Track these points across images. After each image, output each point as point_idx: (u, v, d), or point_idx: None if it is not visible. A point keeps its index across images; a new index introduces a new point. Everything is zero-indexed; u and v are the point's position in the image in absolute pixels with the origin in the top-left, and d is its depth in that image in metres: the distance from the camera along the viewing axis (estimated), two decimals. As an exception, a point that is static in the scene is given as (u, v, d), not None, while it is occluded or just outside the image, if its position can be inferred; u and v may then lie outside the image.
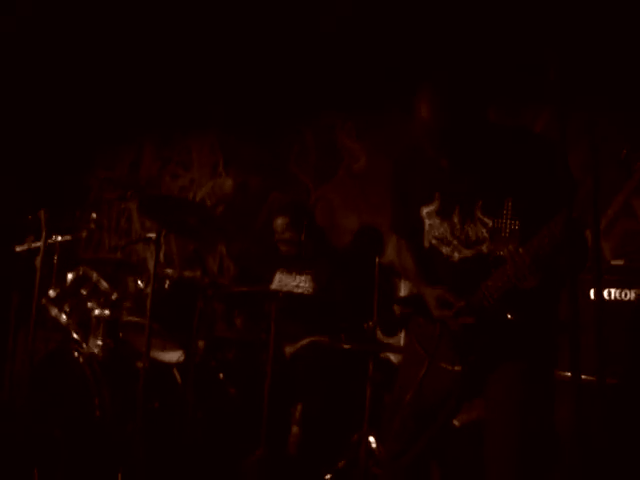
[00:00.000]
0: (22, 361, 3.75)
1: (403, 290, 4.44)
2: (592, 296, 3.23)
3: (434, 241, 2.29)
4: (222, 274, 5.52)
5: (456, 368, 2.25)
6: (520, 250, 2.01)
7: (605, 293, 3.19)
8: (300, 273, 4.25)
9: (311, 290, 3.99)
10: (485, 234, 2.17)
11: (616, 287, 3.14)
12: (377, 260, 4.03)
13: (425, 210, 2.29)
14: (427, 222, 2.29)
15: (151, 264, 5.54)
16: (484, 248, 2.19)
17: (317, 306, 3.80)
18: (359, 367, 3.76)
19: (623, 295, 3.13)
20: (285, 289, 4.11)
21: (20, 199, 4.90)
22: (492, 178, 2.14)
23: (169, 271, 3.64)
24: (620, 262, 3.16)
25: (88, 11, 4.58)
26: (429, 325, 2.31)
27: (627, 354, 3.03)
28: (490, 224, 2.15)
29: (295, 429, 3.51)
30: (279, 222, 4.27)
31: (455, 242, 2.22)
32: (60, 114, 5.78)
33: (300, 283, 4.21)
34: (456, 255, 2.24)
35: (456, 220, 2.22)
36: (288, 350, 3.92)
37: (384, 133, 4.87)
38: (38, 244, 3.91)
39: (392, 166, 2.46)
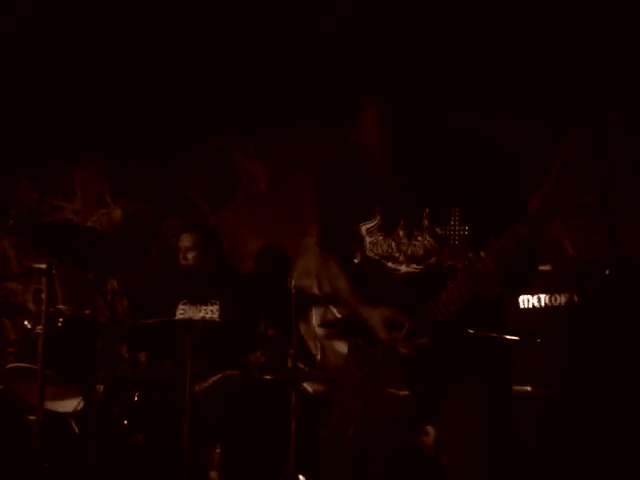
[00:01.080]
0: None
1: (315, 316, 4.22)
2: (522, 304, 3.15)
3: (376, 257, 2.11)
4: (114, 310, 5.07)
5: (405, 393, 2.06)
6: (482, 254, 1.81)
7: (535, 300, 3.11)
8: (206, 303, 3.96)
9: (218, 320, 3.70)
10: (434, 244, 2.02)
11: (546, 293, 3.06)
12: (290, 282, 3.83)
13: (365, 227, 2.12)
14: (368, 240, 2.12)
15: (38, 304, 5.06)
16: (433, 260, 2.03)
17: (228, 337, 3.49)
18: (279, 400, 3.50)
19: (554, 300, 3.06)
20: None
21: None
22: (438, 185, 2.01)
23: (61, 307, 3.21)
24: (547, 267, 3.08)
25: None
26: (370, 348, 2.10)
27: (564, 361, 2.95)
28: (439, 232, 2.01)
29: (214, 474, 3.18)
30: (185, 240, 3.98)
31: (401, 257, 2.06)
32: None
33: (207, 314, 3.92)
34: (403, 269, 2.07)
35: (402, 234, 2.07)
36: (198, 388, 3.59)
37: (285, 152, 4.65)
38: None
39: (318, 181, 2.27)
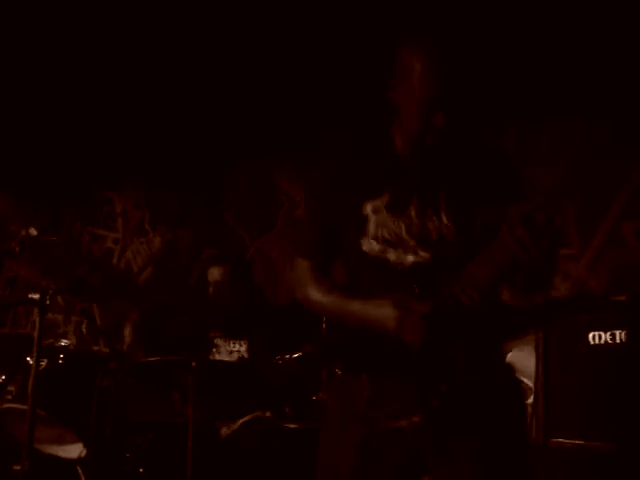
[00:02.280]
0: None
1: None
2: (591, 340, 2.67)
3: (377, 246, 1.80)
4: (138, 344, 4.86)
5: (411, 420, 1.68)
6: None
7: (591, 336, 2.64)
8: (235, 338, 3.67)
9: (246, 357, 3.39)
10: (452, 229, 1.77)
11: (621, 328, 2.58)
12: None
13: (371, 205, 1.82)
14: (373, 220, 1.82)
15: (72, 339, 4.95)
16: (447, 249, 1.76)
17: (252, 376, 3.18)
18: (309, 446, 3.14)
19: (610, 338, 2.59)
20: (217, 357, 3.55)
21: None
22: (458, 178, 1.82)
23: (64, 342, 2.95)
24: (622, 298, 2.60)
25: None
26: (353, 377, 1.77)
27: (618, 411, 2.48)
28: (457, 217, 1.79)
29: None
30: (215, 273, 3.74)
31: (411, 242, 1.78)
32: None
33: (236, 349, 3.62)
34: (409, 259, 1.77)
35: (413, 214, 1.80)
36: (224, 431, 3.27)
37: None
38: None
39: (313, 182, 2.02)
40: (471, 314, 1.68)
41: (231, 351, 3.63)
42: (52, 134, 5.01)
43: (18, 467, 2.43)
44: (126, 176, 5.35)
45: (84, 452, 2.88)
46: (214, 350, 3.73)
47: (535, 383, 2.74)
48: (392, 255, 1.78)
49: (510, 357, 2.21)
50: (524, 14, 3.35)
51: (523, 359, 2.89)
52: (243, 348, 3.64)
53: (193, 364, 2.60)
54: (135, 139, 4.99)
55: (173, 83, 4.31)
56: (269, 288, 4.27)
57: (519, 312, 1.78)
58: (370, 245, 1.81)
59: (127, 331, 4.02)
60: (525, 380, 2.28)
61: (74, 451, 2.90)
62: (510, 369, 1.84)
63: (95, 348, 3.05)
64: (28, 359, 2.91)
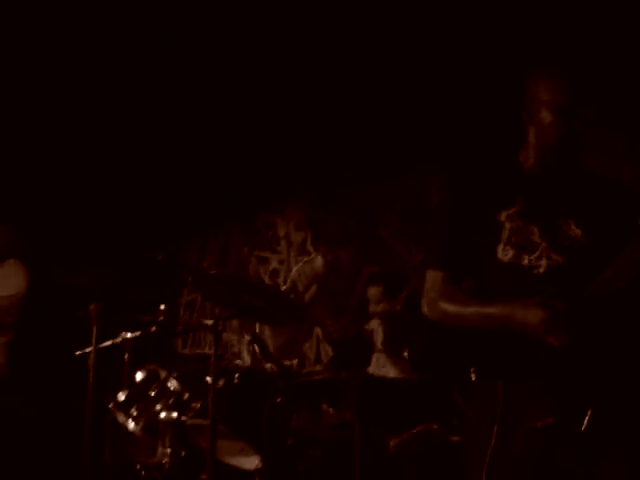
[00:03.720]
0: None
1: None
2: None
3: (511, 252, 1.86)
4: (320, 360, 5.05)
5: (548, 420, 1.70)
6: None
7: None
8: (397, 356, 3.77)
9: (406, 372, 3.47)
10: (582, 234, 1.86)
11: None
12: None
13: (505, 213, 1.92)
14: (508, 227, 1.90)
15: (246, 358, 5.25)
16: (579, 253, 1.83)
17: (415, 391, 3.24)
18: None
19: None
20: (379, 373, 3.65)
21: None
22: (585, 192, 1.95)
23: (239, 362, 3.18)
24: None
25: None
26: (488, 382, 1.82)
27: None
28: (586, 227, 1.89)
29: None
30: (372, 292, 4.01)
31: (543, 244, 1.85)
32: (140, 206, 5.65)
33: (397, 366, 3.71)
34: (543, 263, 1.82)
35: (545, 221, 1.90)
36: (393, 442, 3.36)
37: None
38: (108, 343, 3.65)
39: (447, 190, 2.07)
40: (617, 310, 1.71)
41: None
42: (211, 167, 5.28)
43: (204, 476, 2.65)
44: (286, 200, 5.61)
45: (260, 464, 3.09)
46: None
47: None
48: (526, 260, 1.84)
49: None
50: None
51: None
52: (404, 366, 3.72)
53: (353, 383, 2.69)
54: (293, 163, 5.16)
55: (327, 105, 4.41)
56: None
57: None
58: (505, 251, 1.86)
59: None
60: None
61: (252, 463, 3.11)
62: None
63: (267, 366, 3.25)
64: (208, 379, 3.18)
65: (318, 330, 5.21)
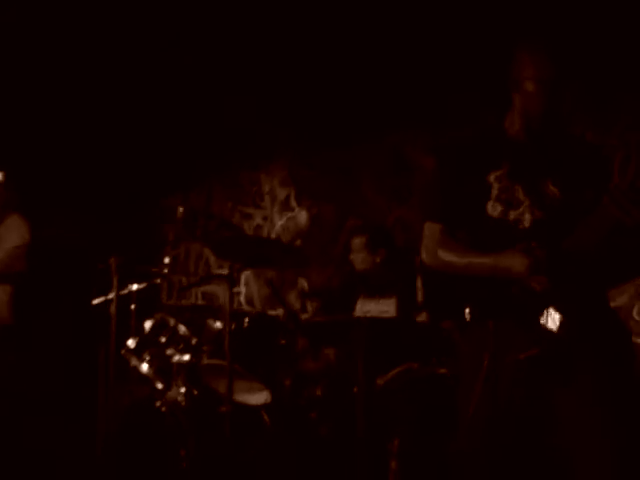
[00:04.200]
0: (107, 417, 3.62)
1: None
2: None
3: (499, 208, 2.14)
4: (305, 310, 5.33)
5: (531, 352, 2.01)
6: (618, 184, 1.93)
7: None
8: (383, 296, 4.05)
9: (394, 314, 3.77)
10: (558, 194, 2.14)
11: None
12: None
13: (494, 175, 2.17)
14: (496, 187, 2.16)
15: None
16: (557, 210, 2.12)
17: (404, 331, 3.55)
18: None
19: None
20: (368, 315, 3.93)
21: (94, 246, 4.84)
22: (563, 157, 2.19)
23: (247, 308, 3.47)
24: None
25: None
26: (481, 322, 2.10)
27: None
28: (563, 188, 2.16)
29: (394, 464, 3.25)
30: (356, 241, 4.20)
31: (527, 202, 2.13)
32: (131, 161, 5.79)
33: (384, 307, 4.00)
34: (527, 218, 2.11)
35: (528, 180, 2.16)
36: (379, 381, 3.68)
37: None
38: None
39: (439, 158, 2.36)
40: (585, 263, 2.00)
41: (381, 310, 4.02)
42: (197, 123, 5.44)
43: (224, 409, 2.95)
44: (271, 157, 5.76)
45: (268, 399, 3.41)
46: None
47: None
48: (512, 215, 2.13)
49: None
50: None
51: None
52: (391, 307, 4.01)
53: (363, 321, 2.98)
54: (279, 122, 5.31)
55: (304, 64, 4.61)
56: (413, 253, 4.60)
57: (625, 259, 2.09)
58: (494, 207, 2.14)
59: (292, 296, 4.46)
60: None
61: (261, 398, 3.43)
62: (615, 312, 2.19)
63: (274, 312, 3.54)
64: (218, 324, 3.47)
65: (303, 281, 5.47)
